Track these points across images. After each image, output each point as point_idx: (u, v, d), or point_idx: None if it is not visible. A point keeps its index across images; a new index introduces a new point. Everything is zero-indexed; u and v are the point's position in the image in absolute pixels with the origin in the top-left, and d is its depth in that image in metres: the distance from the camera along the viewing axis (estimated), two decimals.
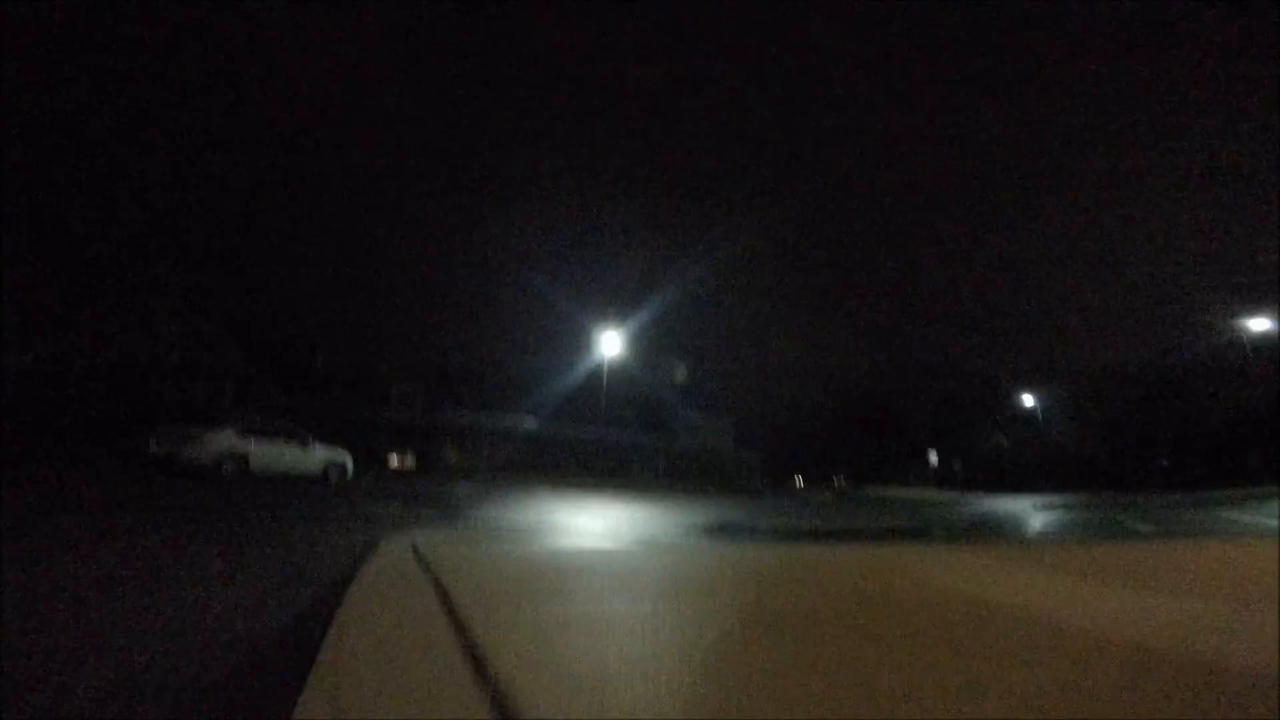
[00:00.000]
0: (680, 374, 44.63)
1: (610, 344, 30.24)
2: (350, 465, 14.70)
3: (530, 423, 34.71)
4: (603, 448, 34.02)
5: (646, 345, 42.01)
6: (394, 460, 28.85)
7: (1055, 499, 21.08)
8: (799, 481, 64.01)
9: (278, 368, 30.34)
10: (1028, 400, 44.10)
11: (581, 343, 33.38)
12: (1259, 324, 24.73)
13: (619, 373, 35.57)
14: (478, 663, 1.23)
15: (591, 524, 8.46)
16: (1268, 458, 24.68)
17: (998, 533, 7.61)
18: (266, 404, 25.50)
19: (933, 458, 37.77)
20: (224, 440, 12.11)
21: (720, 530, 8.55)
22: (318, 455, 13.86)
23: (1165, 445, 37.55)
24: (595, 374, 30.20)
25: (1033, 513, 13.58)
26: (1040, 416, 42.99)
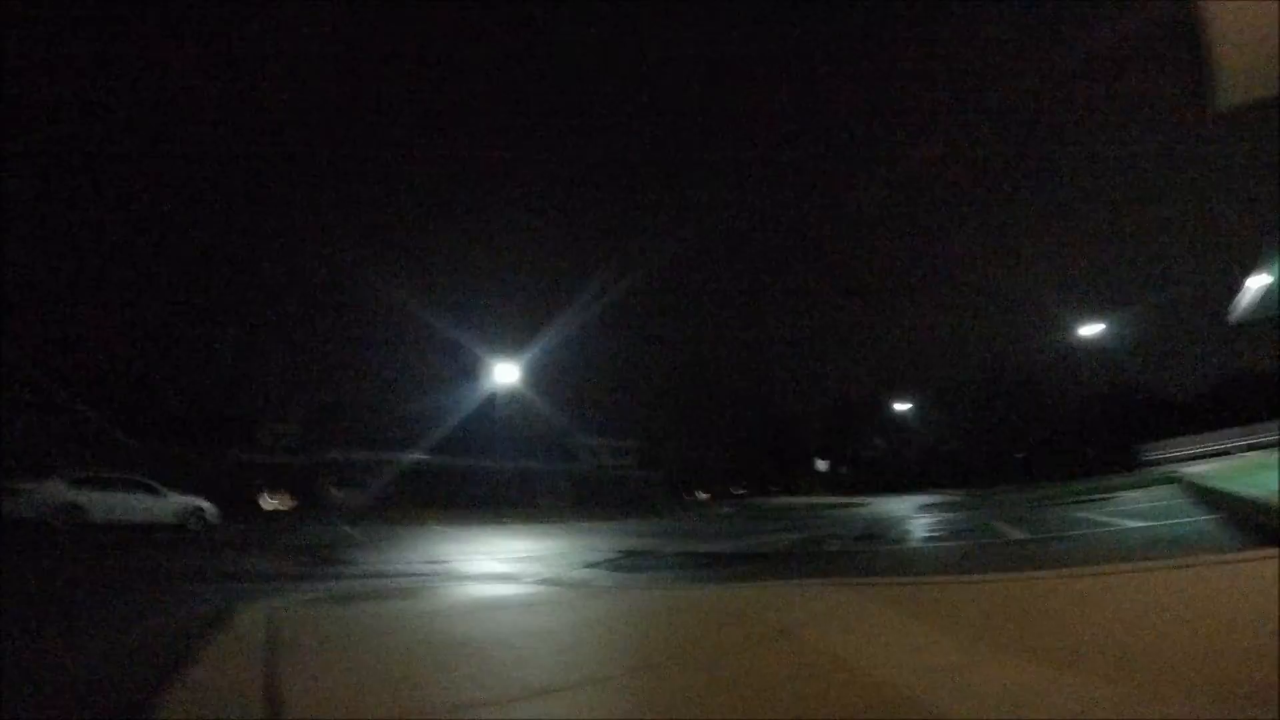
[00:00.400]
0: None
1: (505, 373, 29.55)
2: (212, 511, 13.22)
3: (421, 456, 32.91)
4: (502, 477, 32.89)
5: (544, 372, 41.44)
6: (267, 502, 26.21)
7: (932, 499, 22.82)
8: (701, 496, 65.43)
9: (123, 408, 26.75)
10: (901, 407, 48.02)
11: (475, 373, 32.35)
12: (1090, 329, 28.53)
13: (516, 401, 34.77)
14: None
15: (490, 565, 7.99)
16: (1101, 451, 28.18)
17: (879, 547, 7.99)
18: (107, 450, 22.27)
19: (821, 465, 39.94)
20: (51, 493, 10.74)
21: (626, 559, 8.38)
22: (172, 503, 12.41)
23: (1020, 441, 41.99)
24: (490, 403, 29.27)
25: (913, 516, 14.56)
26: (912, 422, 46.92)
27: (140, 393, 29.30)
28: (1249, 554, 3.03)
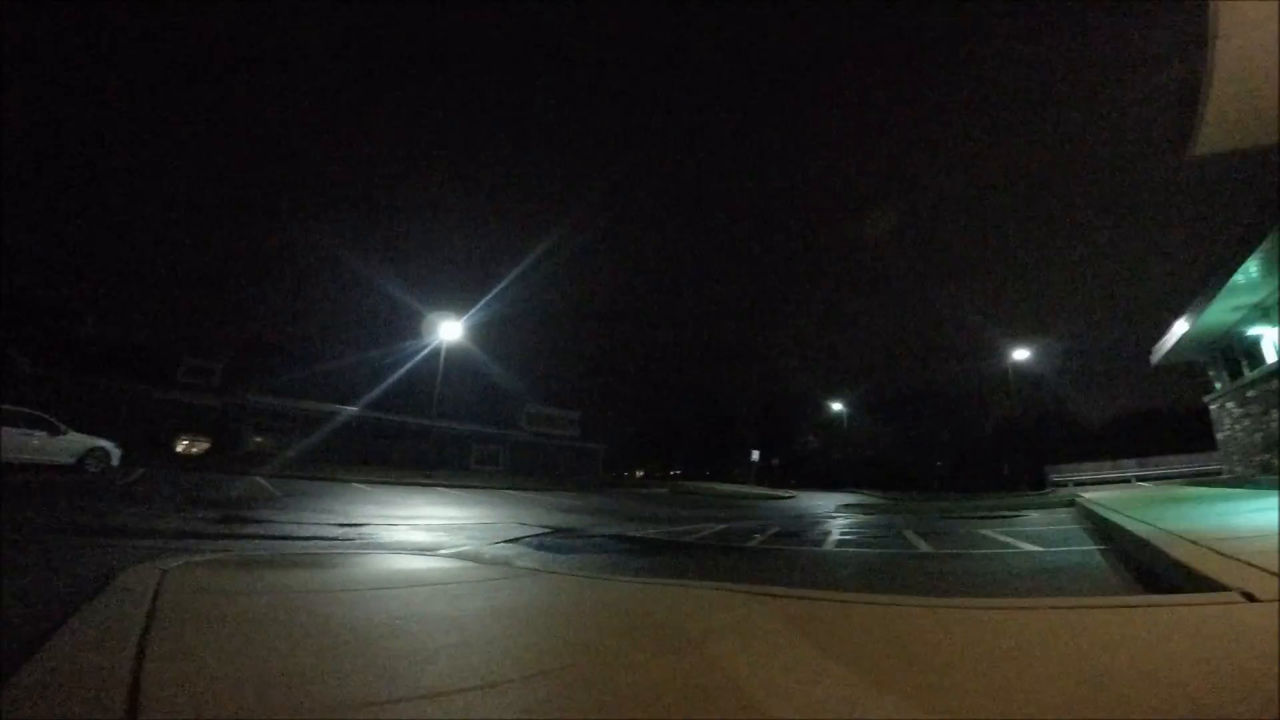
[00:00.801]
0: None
1: (449, 331, 28.80)
2: (115, 454, 12.47)
3: (350, 409, 31.83)
4: (437, 438, 32.21)
5: (489, 333, 40.71)
6: (182, 445, 24.88)
7: (853, 499, 23.83)
8: (638, 474, 66.35)
9: (29, 334, 24.63)
10: (835, 407, 49.90)
11: (418, 328, 31.40)
12: (1020, 353, 30.70)
13: (459, 361, 34.04)
14: None
15: (409, 533, 7.84)
16: (1014, 468, 30.07)
17: (796, 547, 8.21)
18: (8, 378, 20.45)
19: (754, 455, 41.08)
20: None
21: (551, 537, 8.39)
22: (71, 442, 11.61)
23: (942, 450, 44.41)
24: (432, 362, 28.53)
25: (833, 515, 15.13)
26: (844, 423, 48.89)
27: (50, 316, 27.04)
28: (1135, 599, 3.22)
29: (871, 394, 54.30)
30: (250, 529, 6.93)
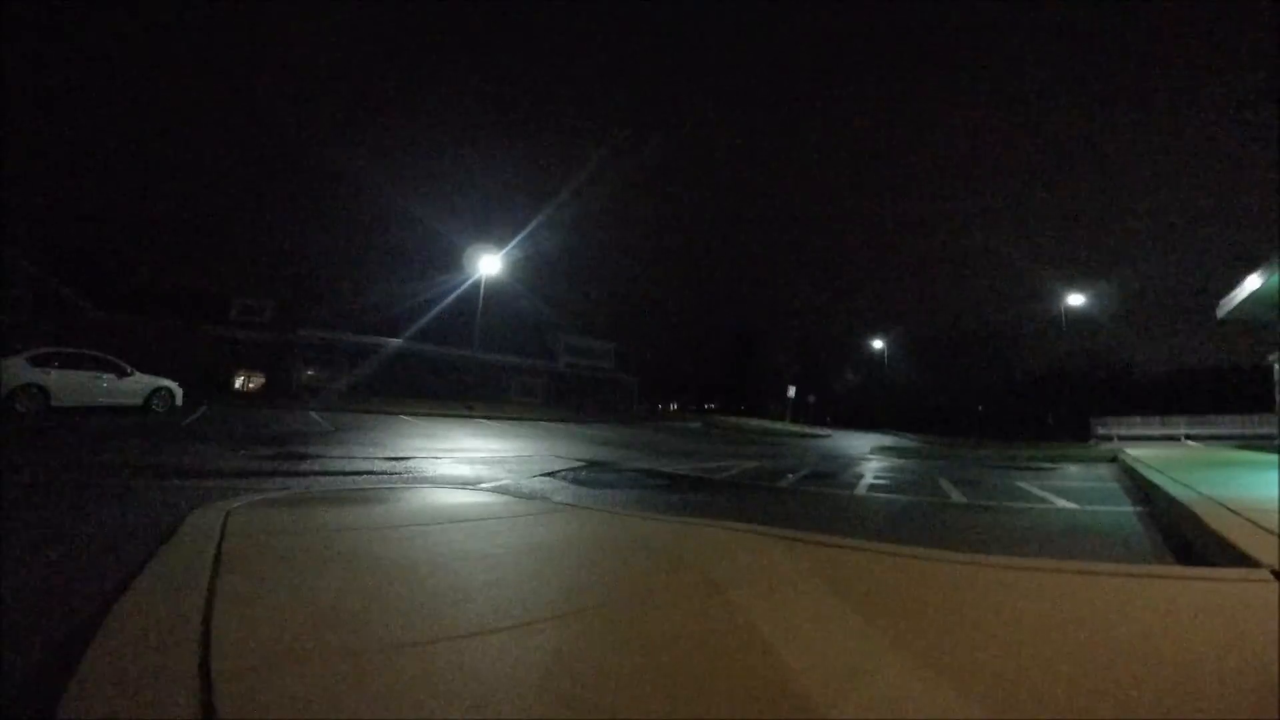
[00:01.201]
0: None
1: (489, 264, 28.98)
2: (179, 393, 13.22)
3: (396, 341, 32.74)
4: (477, 370, 33.05)
5: (528, 266, 40.79)
6: (239, 382, 26.16)
7: (889, 441, 23.70)
8: (673, 406, 67.33)
9: (91, 280, 25.77)
10: (876, 345, 48.98)
11: (458, 262, 31.64)
12: (1075, 298, 29.42)
13: (498, 293, 34.40)
14: None
15: (452, 467, 8.21)
16: (1059, 418, 29.32)
17: (827, 489, 8.26)
18: (76, 324, 21.61)
19: (792, 392, 40.97)
20: (12, 372, 10.49)
21: (586, 471, 8.67)
22: (138, 384, 12.31)
23: (984, 395, 43.47)
24: (471, 294, 28.89)
25: (868, 457, 15.12)
26: (885, 362, 48.09)
27: (110, 263, 28.20)
28: (1160, 569, 3.16)
29: (914, 334, 52.99)
30: (305, 465, 7.35)
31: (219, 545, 3.02)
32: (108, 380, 11.85)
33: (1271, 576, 2.60)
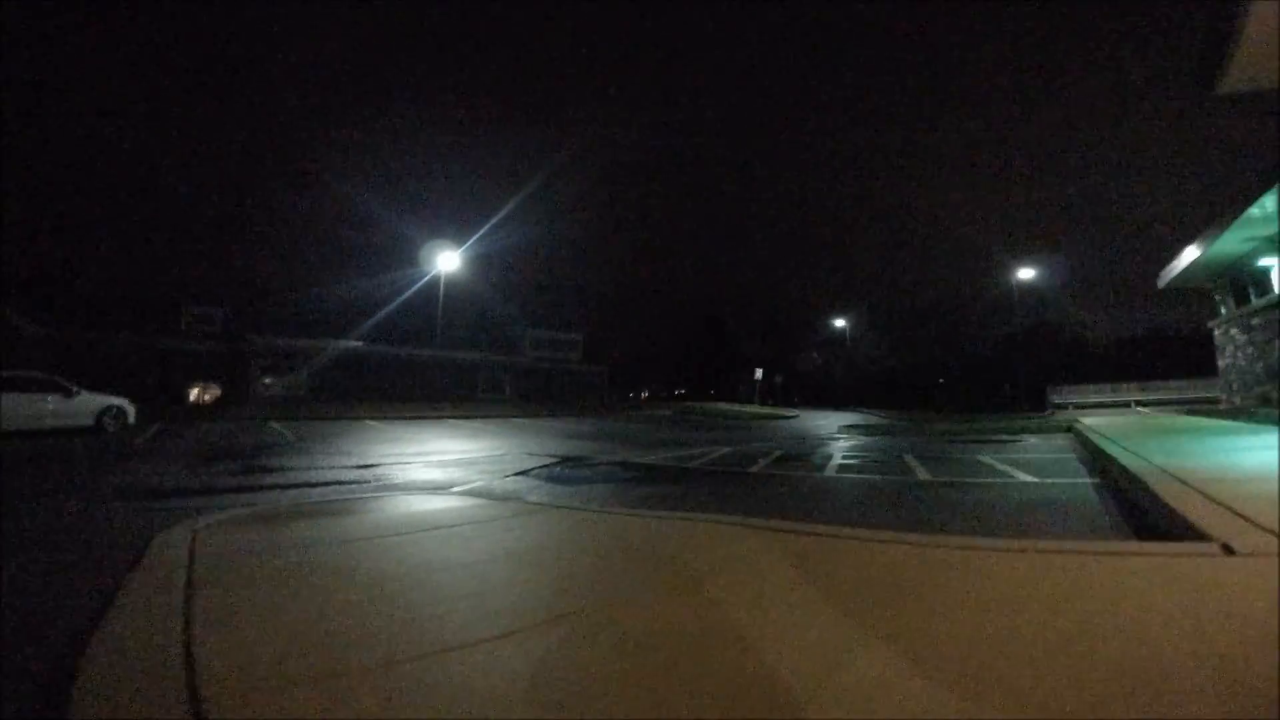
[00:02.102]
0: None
1: (448, 260, 28.52)
2: (131, 411, 12.72)
3: (355, 344, 32.01)
4: (442, 368, 32.59)
5: (488, 260, 40.23)
6: (194, 394, 25.25)
7: (855, 419, 24.21)
8: (643, 394, 67.58)
9: (23, 294, 24.37)
10: (838, 324, 50.00)
11: (416, 259, 31.01)
12: (1026, 272, 30.53)
13: (459, 290, 33.91)
14: None
15: (422, 471, 8.12)
16: (1016, 389, 30.37)
17: (798, 473, 8.41)
18: (12, 342, 20.40)
19: (759, 374, 41.55)
20: None
21: (559, 467, 8.68)
22: (87, 403, 11.81)
23: (944, 369, 44.75)
24: (432, 292, 28.40)
25: (835, 436, 15.43)
26: (848, 340, 49.12)
27: (47, 274, 26.71)
28: (1116, 545, 3.23)
29: (874, 311, 54.22)
30: (270, 479, 7.18)
31: (189, 569, 2.95)
32: (54, 401, 11.34)
33: (1220, 551, 2.68)
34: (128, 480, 6.80)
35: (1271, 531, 2.85)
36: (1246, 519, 3.11)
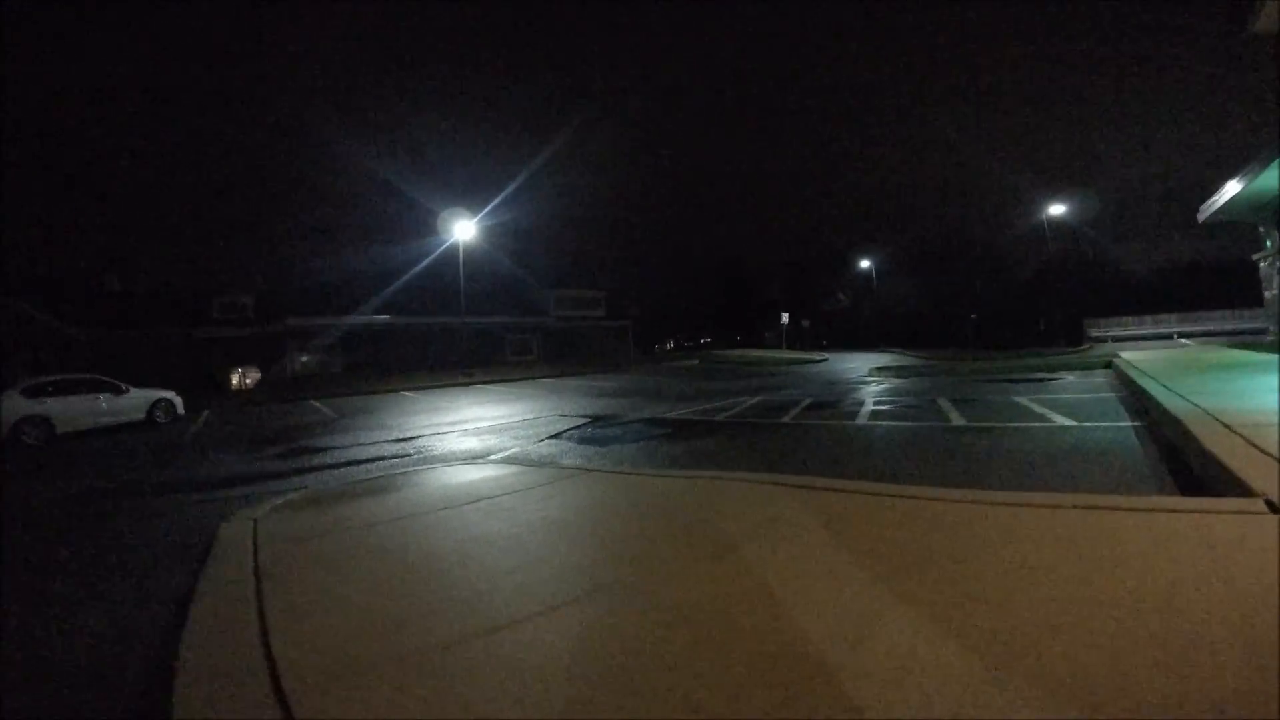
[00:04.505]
0: None
1: (468, 228, 28.49)
2: (179, 403, 13.31)
3: (385, 319, 32.55)
4: (472, 335, 32.99)
5: (511, 226, 40.12)
6: (235, 380, 26.12)
7: (885, 360, 23.80)
8: (670, 345, 67.69)
9: (56, 296, 25.14)
10: (864, 264, 48.80)
11: (439, 230, 30.99)
12: (1057, 207, 29.26)
13: (482, 256, 33.99)
14: None
15: (459, 440, 8.36)
16: (1052, 323, 29.38)
17: (828, 421, 8.37)
18: (54, 346, 21.18)
19: (785, 318, 41.05)
20: (9, 408, 10.60)
21: (591, 427, 8.83)
22: (137, 399, 12.38)
23: (976, 304, 43.51)
24: (456, 260, 28.48)
25: (866, 380, 15.25)
26: (875, 279, 47.98)
27: (78, 277, 27.50)
28: (1155, 501, 3.07)
29: (902, 249, 52.57)
30: (317, 459, 7.50)
31: (255, 559, 3.16)
32: (106, 400, 11.87)
33: (1266, 508, 2.54)
34: (187, 472, 7.18)
35: None
36: None
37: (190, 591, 2.74)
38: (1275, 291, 13.66)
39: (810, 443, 6.56)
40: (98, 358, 17.97)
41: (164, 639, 2.35)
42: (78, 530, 4.62)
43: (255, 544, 3.45)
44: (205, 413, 15.39)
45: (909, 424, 7.39)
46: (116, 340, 23.55)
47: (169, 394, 13.16)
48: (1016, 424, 6.69)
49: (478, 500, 4.18)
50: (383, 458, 7.31)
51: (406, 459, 7.11)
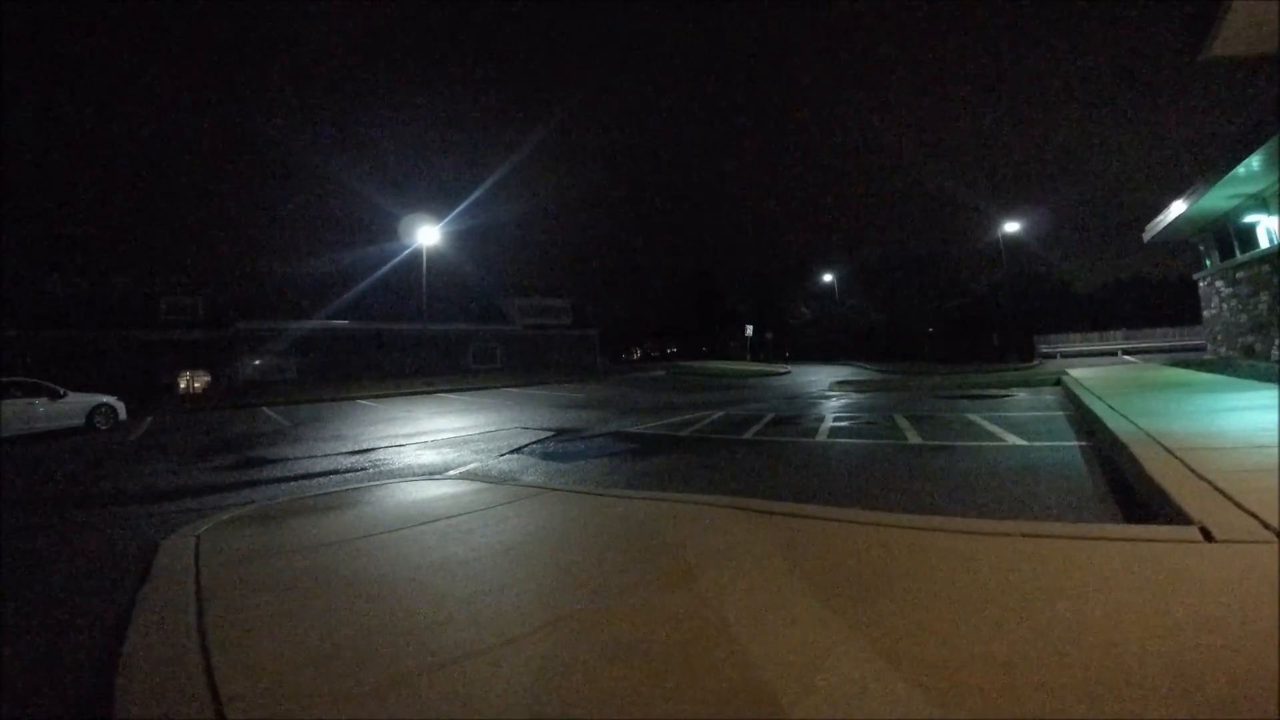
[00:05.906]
0: None
1: (432, 233, 28.10)
2: (120, 408, 12.72)
3: (343, 323, 31.75)
4: (433, 342, 32.43)
5: (475, 232, 39.68)
6: (183, 384, 25.07)
7: (846, 374, 24.32)
8: (636, 354, 67.91)
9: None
10: (827, 278, 50.02)
11: (400, 234, 30.48)
12: (1010, 226, 30.64)
13: (444, 262, 33.52)
14: None
15: (417, 454, 8.19)
16: (1004, 339, 30.59)
17: (789, 438, 8.47)
18: None
19: (749, 330, 41.68)
20: None
21: (553, 442, 8.75)
22: (75, 403, 11.80)
23: (933, 319, 44.97)
24: (417, 266, 28.02)
25: (827, 394, 15.54)
26: (836, 293, 49.14)
27: (16, 278, 25.93)
28: (1096, 529, 3.11)
29: (864, 264, 54.35)
30: (268, 471, 7.24)
31: (197, 578, 3.03)
32: (43, 404, 11.32)
33: (1201, 536, 2.63)
34: (126, 482, 6.84)
35: (1251, 514, 2.81)
36: (1228, 497, 3.07)
37: (127, 617, 2.60)
38: (1214, 310, 14.43)
39: (771, 461, 6.63)
40: (36, 361, 17.04)
41: (94, 674, 2.22)
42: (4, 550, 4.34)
43: (198, 562, 3.31)
44: (149, 419, 14.74)
45: (867, 441, 7.54)
46: (57, 342, 22.38)
47: (110, 399, 12.56)
48: (970, 442, 6.91)
49: (435, 520, 4.09)
50: (337, 471, 7.10)
51: (361, 472, 6.93)
